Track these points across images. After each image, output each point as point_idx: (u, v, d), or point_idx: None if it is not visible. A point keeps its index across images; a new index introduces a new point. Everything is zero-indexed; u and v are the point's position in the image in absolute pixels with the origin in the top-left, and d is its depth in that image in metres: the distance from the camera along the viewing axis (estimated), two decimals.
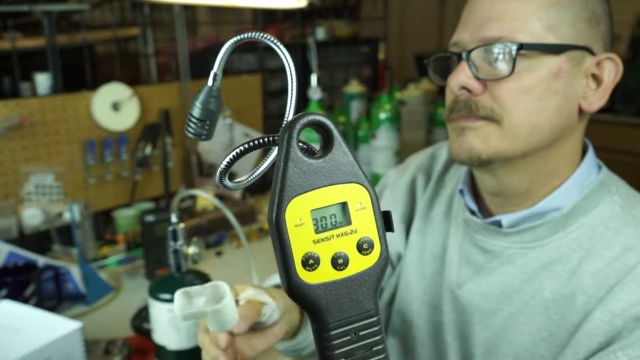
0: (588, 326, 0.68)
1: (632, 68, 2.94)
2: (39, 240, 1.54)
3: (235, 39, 0.41)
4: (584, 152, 0.77)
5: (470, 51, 0.70)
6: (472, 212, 0.80)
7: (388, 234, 0.37)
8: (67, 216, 1.53)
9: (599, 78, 0.72)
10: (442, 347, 0.83)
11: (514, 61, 0.68)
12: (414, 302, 0.87)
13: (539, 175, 0.74)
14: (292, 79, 0.40)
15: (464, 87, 0.71)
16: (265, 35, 0.40)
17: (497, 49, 0.69)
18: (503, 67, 0.69)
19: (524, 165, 0.73)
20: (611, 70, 0.72)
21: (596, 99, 0.72)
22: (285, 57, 0.41)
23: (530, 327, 0.73)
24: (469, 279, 0.79)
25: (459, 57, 0.72)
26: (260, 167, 0.40)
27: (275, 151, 0.41)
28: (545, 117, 0.70)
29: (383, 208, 0.95)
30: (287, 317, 0.73)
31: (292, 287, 0.35)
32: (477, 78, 0.70)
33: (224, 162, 0.37)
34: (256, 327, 0.71)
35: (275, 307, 0.69)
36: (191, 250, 1.01)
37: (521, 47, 0.67)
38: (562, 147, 0.73)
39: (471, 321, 0.79)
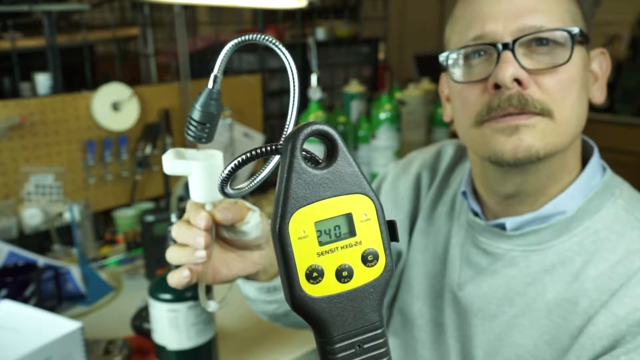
0: (591, 330, 0.67)
1: (632, 68, 2.94)
2: (39, 240, 1.54)
3: (235, 40, 0.41)
4: (584, 151, 0.78)
5: (516, 40, 0.67)
6: (475, 214, 0.80)
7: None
8: (67, 216, 1.53)
9: (594, 72, 0.75)
10: (444, 348, 0.83)
11: (572, 48, 0.67)
12: (416, 303, 0.87)
13: (556, 171, 0.73)
14: (294, 81, 0.39)
15: (514, 80, 0.68)
16: (267, 37, 0.40)
17: (553, 36, 0.67)
18: (556, 56, 0.68)
19: (551, 161, 0.71)
20: (603, 63, 0.76)
21: (599, 92, 0.75)
22: (287, 59, 0.41)
23: (533, 330, 0.73)
24: (471, 280, 0.79)
25: (499, 49, 0.68)
26: (261, 173, 0.40)
27: (276, 157, 0.40)
28: (584, 108, 0.71)
29: (383, 201, 0.95)
30: (270, 253, 0.72)
31: (296, 301, 0.34)
32: (524, 69, 0.68)
33: (226, 171, 0.37)
34: (236, 243, 0.70)
35: (260, 221, 0.68)
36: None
37: (580, 33, 0.67)
38: (576, 141, 0.74)
39: (472, 323, 0.78)
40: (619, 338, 0.65)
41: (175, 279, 0.65)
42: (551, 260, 0.73)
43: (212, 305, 0.72)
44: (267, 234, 0.71)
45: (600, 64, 0.75)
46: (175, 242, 0.67)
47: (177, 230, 0.66)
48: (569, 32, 0.68)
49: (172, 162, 0.62)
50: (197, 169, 0.62)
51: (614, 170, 0.77)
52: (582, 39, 0.70)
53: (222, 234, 0.70)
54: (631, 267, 0.68)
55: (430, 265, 0.86)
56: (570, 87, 0.69)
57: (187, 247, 0.65)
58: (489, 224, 0.77)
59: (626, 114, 2.98)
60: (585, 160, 0.77)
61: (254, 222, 0.68)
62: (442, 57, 0.75)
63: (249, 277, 0.76)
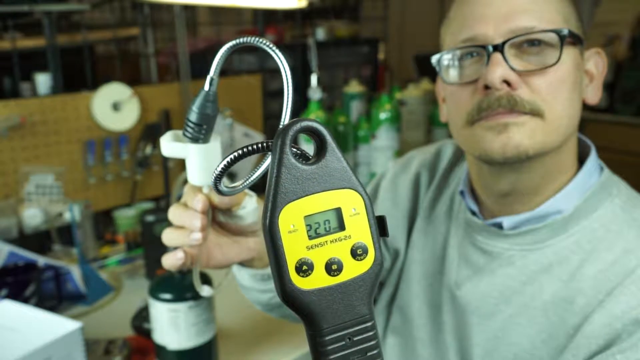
0: (587, 329, 0.67)
1: (632, 68, 2.93)
2: (39, 240, 1.54)
3: (231, 43, 0.41)
4: (581, 151, 0.78)
5: (505, 42, 0.68)
6: (473, 213, 0.81)
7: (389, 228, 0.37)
8: (67, 216, 1.53)
9: (589, 72, 0.75)
10: (442, 346, 0.83)
11: (560, 49, 0.68)
12: (415, 301, 0.87)
13: (550, 170, 0.73)
14: (287, 83, 0.40)
15: (504, 81, 0.68)
16: (261, 40, 0.41)
17: (543, 37, 0.68)
18: (546, 57, 0.68)
19: (544, 160, 0.72)
20: (599, 63, 0.76)
21: (594, 93, 0.76)
22: (281, 61, 0.41)
23: (530, 329, 0.73)
24: (468, 279, 0.80)
25: (489, 51, 0.69)
26: (255, 172, 0.40)
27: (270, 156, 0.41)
28: (575, 108, 0.71)
29: (382, 198, 0.95)
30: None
31: (286, 293, 0.35)
32: (514, 70, 0.68)
33: (219, 168, 0.38)
34: (232, 227, 0.70)
35: (257, 207, 0.68)
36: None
37: (570, 34, 0.68)
38: (569, 142, 0.74)
39: (470, 322, 0.79)
40: (615, 337, 0.65)
41: (170, 260, 0.65)
42: (548, 259, 0.73)
43: (206, 290, 0.72)
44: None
45: (597, 64, 0.76)
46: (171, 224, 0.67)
47: (174, 213, 0.66)
48: (558, 33, 0.68)
49: (169, 145, 0.61)
50: (194, 152, 0.61)
51: (614, 170, 0.77)
52: (574, 40, 0.70)
53: (218, 218, 0.70)
54: (627, 266, 0.68)
55: (429, 264, 0.87)
56: (560, 87, 0.69)
57: (183, 229, 0.65)
58: (487, 223, 0.78)
59: (626, 114, 2.98)
60: (582, 159, 0.77)
61: (251, 207, 0.68)
62: (434, 60, 0.76)
63: (243, 264, 0.76)
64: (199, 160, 0.62)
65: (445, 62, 0.75)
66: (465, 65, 0.73)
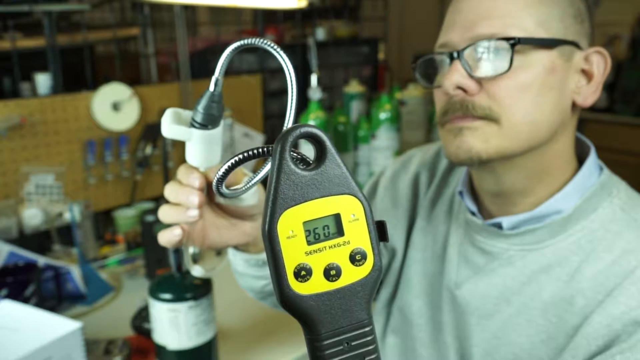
0: (587, 329, 0.68)
1: (632, 68, 2.93)
2: (39, 240, 1.54)
3: (236, 44, 0.41)
4: (581, 151, 0.78)
5: (462, 49, 0.70)
6: (473, 213, 0.81)
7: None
8: (67, 216, 1.53)
9: (588, 72, 0.74)
10: (442, 346, 0.83)
11: (511, 57, 0.67)
12: (415, 301, 0.87)
13: (533, 172, 0.74)
14: (292, 84, 0.40)
15: (459, 87, 0.70)
16: (266, 42, 0.41)
17: (493, 45, 0.68)
18: (499, 64, 0.68)
19: (520, 162, 0.73)
20: (600, 63, 0.74)
21: (590, 94, 0.74)
22: (285, 63, 0.41)
23: (529, 329, 0.73)
24: (468, 279, 0.80)
25: (451, 58, 0.71)
26: (256, 175, 0.40)
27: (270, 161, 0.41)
28: (544, 113, 0.70)
29: (381, 196, 0.95)
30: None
31: (285, 298, 0.35)
32: (472, 77, 0.70)
33: (220, 172, 0.38)
34: (230, 209, 0.70)
35: (256, 190, 0.68)
36: (191, 249, 1.02)
37: (518, 41, 0.67)
38: (555, 144, 0.73)
39: (469, 322, 0.79)
40: (614, 337, 0.65)
41: (166, 237, 0.65)
42: (548, 259, 0.73)
43: (197, 270, 0.71)
44: (262, 204, 0.70)
45: (597, 63, 0.74)
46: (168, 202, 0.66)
47: (170, 190, 0.65)
48: (507, 41, 0.67)
49: (171, 127, 0.60)
50: (197, 137, 0.61)
51: (614, 170, 0.77)
52: (549, 44, 0.69)
53: (216, 198, 0.70)
54: (627, 266, 0.68)
55: (429, 264, 0.87)
56: (521, 93, 0.69)
57: (179, 206, 0.64)
58: (486, 223, 0.78)
59: (626, 114, 2.98)
60: (581, 159, 0.77)
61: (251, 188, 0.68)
62: (414, 65, 0.79)
63: (238, 248, 0.76)
64: (200, 145, 0.62)
65: (419, 68, 0.78)
66: (436, 70, 0.76)
